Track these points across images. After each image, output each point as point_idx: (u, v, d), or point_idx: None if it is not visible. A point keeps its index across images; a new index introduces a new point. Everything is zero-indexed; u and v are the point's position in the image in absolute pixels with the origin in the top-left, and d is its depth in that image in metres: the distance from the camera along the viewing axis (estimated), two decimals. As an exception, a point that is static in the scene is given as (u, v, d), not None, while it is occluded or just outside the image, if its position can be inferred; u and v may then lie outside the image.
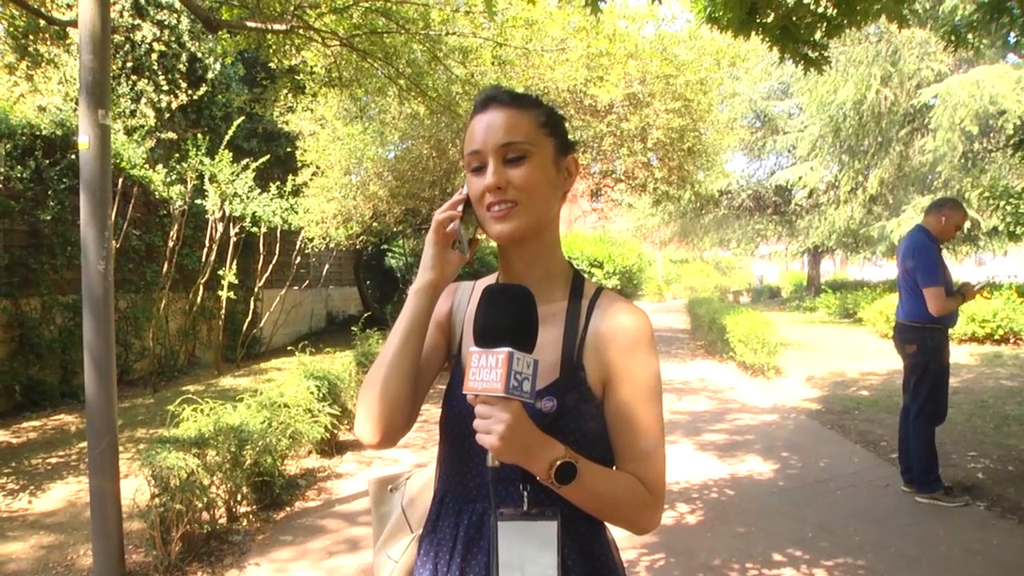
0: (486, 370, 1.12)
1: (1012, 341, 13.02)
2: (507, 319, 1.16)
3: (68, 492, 5.20)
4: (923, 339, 4.96)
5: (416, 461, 6.10)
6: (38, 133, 8.25)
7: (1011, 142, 5.92)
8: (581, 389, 1.29)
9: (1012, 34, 7.22)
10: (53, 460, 5.99)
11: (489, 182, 1.28)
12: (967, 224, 16.50)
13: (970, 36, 6.06)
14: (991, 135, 16.64)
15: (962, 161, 16.85)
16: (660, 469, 1.31)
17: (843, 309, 19.89)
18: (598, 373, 1.31)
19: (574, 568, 1.28)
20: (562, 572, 1.21)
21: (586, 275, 1.46)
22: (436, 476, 1.49)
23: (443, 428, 1.41)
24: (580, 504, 1.24)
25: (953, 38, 6.17)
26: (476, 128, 1.32)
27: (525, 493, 1.24)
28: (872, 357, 11.66)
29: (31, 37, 8.65)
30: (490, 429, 1.11)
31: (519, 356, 1.12)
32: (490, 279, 1.47)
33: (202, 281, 10.34)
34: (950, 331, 5.16)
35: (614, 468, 1.32)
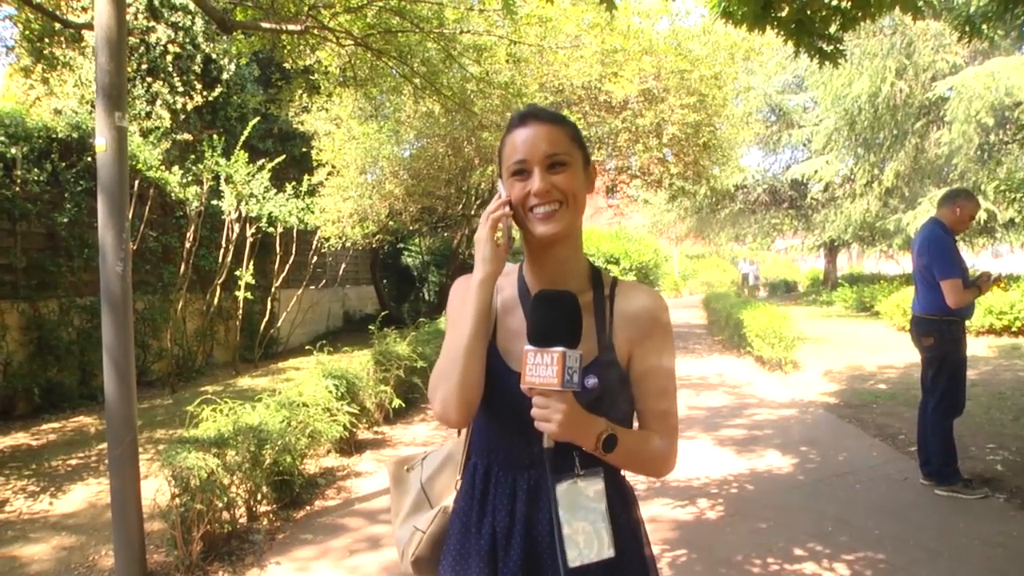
0: (542, 367, 1.29)
1: (1030, 333, 12.90)
2: (562, 322, 1.33)
3: (88, 493, 5.25)
4: (940, 332, 4.92)
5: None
6: (54, 136, 8.32)
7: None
8: (614, 364, 1.51)
9: (1027, 25, 7.16)
10: (73, 462, 6.05)
11: (539, 187, 1.45)
12: (984, 216, 16.43)
13: (985, 27, 6.00)
14: (1007, 127, 16.49)
15: (978, 153, 16.72)
16: (675, 423, 1.57)
17: (860, 303, 19.75)
18: (626, 348, 1.53)
19: (614, 505, 1.48)
20: (608, 512, 1.44)
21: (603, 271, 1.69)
22: (468, 450, 1.67)
23: (486, 407, 1.54)
24: (616, 464, 1.48)
25: (968, 29, 6.12)
26: (518, 140, 1.49)
27: (576, 458, 1.44)
28: (890, 350, 11.58)
29: (46, 40, 8.73)
30: (549, 418, 1.31)
31: (571, 353, 1.29)
32: (511, 269, 1.64)
33: (219, 282, 10.41)
34: (967, 323, 5.13)
35: (635, 426, 1.56)
